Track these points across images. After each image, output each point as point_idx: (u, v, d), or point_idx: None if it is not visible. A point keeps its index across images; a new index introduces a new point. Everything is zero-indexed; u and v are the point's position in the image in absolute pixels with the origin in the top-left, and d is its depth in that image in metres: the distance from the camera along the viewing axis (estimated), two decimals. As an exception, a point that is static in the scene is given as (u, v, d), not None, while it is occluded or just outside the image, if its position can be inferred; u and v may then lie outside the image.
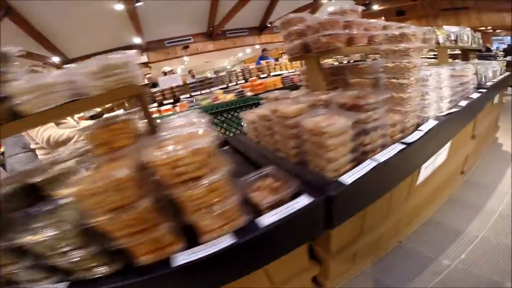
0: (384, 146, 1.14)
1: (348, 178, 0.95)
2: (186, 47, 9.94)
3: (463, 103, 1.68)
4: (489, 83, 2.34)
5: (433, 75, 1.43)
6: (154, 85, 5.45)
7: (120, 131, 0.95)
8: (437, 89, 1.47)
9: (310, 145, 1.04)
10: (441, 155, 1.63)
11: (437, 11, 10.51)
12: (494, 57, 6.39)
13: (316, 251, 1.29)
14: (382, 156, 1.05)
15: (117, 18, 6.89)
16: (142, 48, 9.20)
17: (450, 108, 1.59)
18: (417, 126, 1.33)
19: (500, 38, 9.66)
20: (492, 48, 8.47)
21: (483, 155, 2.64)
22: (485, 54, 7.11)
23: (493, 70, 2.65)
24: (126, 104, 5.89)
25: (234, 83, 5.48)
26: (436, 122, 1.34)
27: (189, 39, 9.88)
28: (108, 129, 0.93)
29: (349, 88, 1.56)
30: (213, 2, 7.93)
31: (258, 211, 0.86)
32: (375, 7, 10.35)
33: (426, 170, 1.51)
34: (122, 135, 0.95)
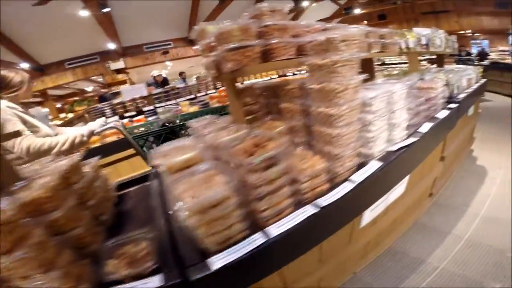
0: (298, 204, 0.80)
1: (218, 261, 0.67)
2: (165, 52, 9.67)
3: (426, 127, 1.35)
4: (462, 95, 2.06)
5: (380, 96, 1.09)
6: (103, 98, 5.03)
7: None
8: (387, 114, 1.14)
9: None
10: (398, 190, 1.31)
11: (418, 14, 10.51)
12: (473, 62, 6.29)
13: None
14: (278, 227, 0.73)
15: (89, 24, 6.51)
16: (118, 54, 8.82)
17: (408, 136, 1.27)
18: (357, 168, 1.00)
19: (478, 42, 9.69)
20: (472, 52, 8.45)
21: (456, 170, 2.37)
22: (464, 58, 7.05)
23: (467, 78, 2.37)
24: (87, 116, 5.49)
25: (204, 93, 5.10)
26: (379, 164, 0.99)
27: (169, 44, 9.63)
28: None
29: (279, 116, 1.22)
30: (194, 6, 7.66)
31: (108, 283, 0.72)
32: (357, 11, 10.23)
33: (374, 211, 1.18)
34: None
